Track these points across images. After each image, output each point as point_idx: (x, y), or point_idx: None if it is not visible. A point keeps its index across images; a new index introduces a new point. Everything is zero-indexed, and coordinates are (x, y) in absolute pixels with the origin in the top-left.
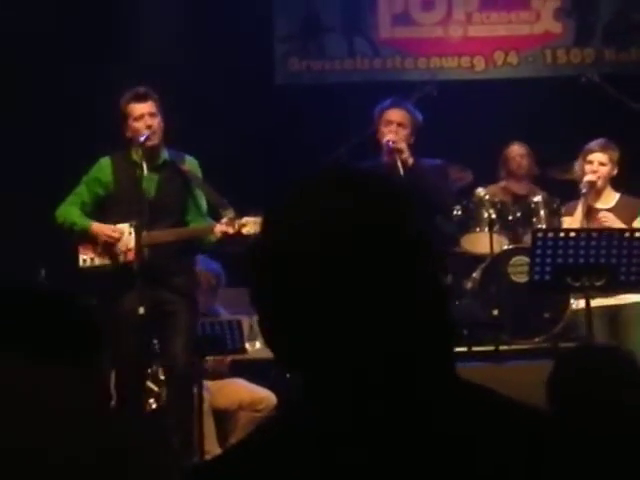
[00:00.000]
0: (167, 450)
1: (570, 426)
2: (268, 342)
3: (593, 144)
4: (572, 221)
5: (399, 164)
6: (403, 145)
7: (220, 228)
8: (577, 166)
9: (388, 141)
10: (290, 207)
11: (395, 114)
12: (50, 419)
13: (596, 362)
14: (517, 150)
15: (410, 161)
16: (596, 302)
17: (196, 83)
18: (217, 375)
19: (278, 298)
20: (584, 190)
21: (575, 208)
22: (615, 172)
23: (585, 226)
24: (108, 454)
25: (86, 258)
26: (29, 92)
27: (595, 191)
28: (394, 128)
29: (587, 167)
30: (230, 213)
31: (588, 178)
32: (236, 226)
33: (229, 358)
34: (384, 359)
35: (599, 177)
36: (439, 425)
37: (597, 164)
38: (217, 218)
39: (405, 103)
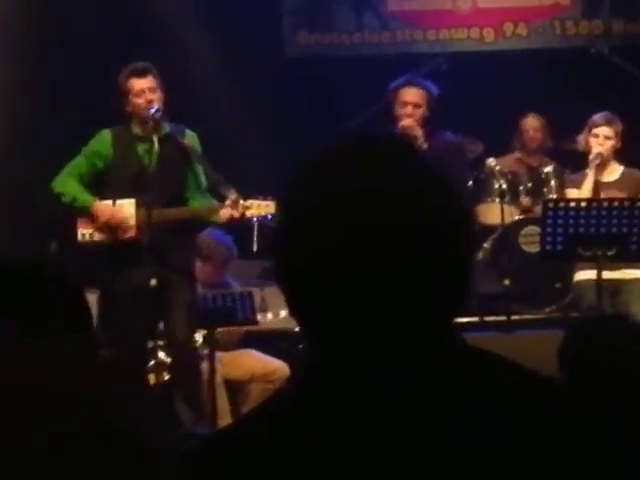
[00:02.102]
0: (172, 423)
1: (582, 394)
2: (294, 309)
3: (598, 117)
4: (580, 194)
5: None
6: (418, 131)
7: (225, 212)
8: (582, 138)
9: (403, 127)
10: (329, 174)
11: (410, 94)
12: (46, 387)
13: (606, 331)
14: (532, 123)
15: (424, 147)
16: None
17: (204, 56)
18: (229, 346)
19: (312, 262)
20: (597, 162)
21: (580, 181)
22: (619, 145)
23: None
24: (107, 425)
25: (85, 233)
26: (45, 66)
27: (601, 164)
28: (410, 110)
29: (593, 140)
30: (232, 194)
31: (598, 149)
32: (240, 208)
33: (242, 329)
34: (405, 326)
35: (605, 150)
36: (454, 393)
37: (603, 137)
38: (216, 195)
39: (419, 80)
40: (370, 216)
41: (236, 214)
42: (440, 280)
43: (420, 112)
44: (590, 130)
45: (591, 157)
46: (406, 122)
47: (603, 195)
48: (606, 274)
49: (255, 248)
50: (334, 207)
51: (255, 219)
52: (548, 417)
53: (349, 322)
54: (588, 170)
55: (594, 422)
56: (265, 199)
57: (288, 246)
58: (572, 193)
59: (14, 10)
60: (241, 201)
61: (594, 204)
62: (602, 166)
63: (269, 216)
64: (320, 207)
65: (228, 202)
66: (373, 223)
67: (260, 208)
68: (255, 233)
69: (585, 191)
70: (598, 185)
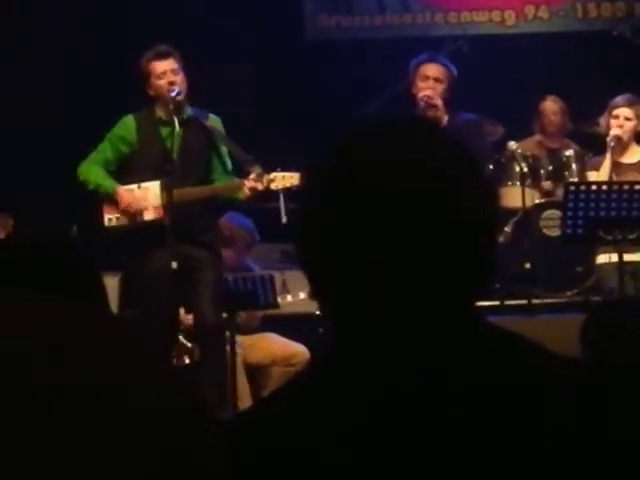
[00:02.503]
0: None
1: (606, 375)
2: (317, 288)
3: (619, 99)
4: (598, 176)
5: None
6: (439, 101)
7: (249, 184)
8: (603, 121)
9: (424, 96)
10: (359, 147)
11: (432, 69)
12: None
13: (628, 313)
14: (550, 107)
15: (445, 118)
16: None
17: (225, 40)
18: (249, 330)
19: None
20: (612, 144)
21: (600, 163)
22: None
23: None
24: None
25: (111, 217)
26: (61, 55)
27: (621, 146)
28: (431, 83)
29: (613, 122)
30: (257, 169)
31: (615, 132)
32: (264, 182)
33: (261, 313)
34: (429, 309)
35: (625, 131)
36: (480, 375)
37: (623, 119)
38: (243, 176)
39: (441, 58)
40: (404, 184)
41: (260, 186)
42: (470, 256)
43: (441, 87)
44: (610, 112)
45: (608, 139)
46: (427, 92)
47: (623, 177)
48: (627, 257)
49: (284, 220)
50: (364, 177)
51: (281, 191)
52: (578, 396)
53: (371, 303)
54: (607, 152)
55: (624, 399)
56: (288, 171)
57: (313, 222)
58: (591, 175)
59: None
60: (265, 175)
61: (615, 187)
62: (622, 148)
63: (294, 188)
64: (350, 178)
65: (252, 176)
66: (406, 193)
67: (285, 180)
68: (282, 204)
69: (603, 173)
70: (618, 167)
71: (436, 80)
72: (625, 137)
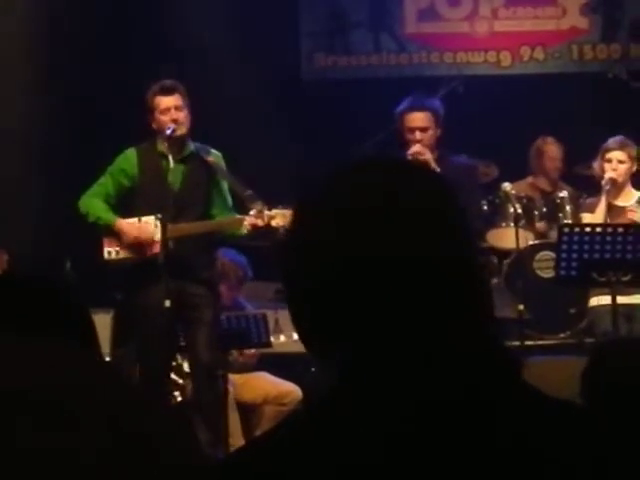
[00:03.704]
0: (194, 441)
1: (611, 419)
2: (302, 327)
3: (611, 142)
4: (593, 218)
5: None
6: (428, 155)
7: (250, 221)
8: (596, 165)
9: (413, 153)
10: (335, 191)
11: (416, 119)
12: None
13: (632, 354)
14: (555, 152)
15: (437, 170)
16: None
17: (223, 79)
18: (245, 369)
19: (326, 273)
20: (607, 187)
21: (594, 205)
22: (634, 169)
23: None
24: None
25: (111, 250)
26: (62, 87)
27: (615, 188)
28: (418, 136)
29: (606, 165)
30: (258, 205)
31: (609, 175)
32: (265, 218)
33: (258, 352)
34: (430, 341)
35: (619, 174)
36: (484, 415)
37: (616, 162)
38: (243, 211)
39: (422, 100)
40: (384, 232)
41: (261, 223)
42: (458, 289)
43: (428, 135)
44: (603, 155)
45: (603, 182)
46: (415, 148)
47: (618, 220)
48: (621, 299)
49: None
50: (347, 222)
51: (282, 228)
52: (579, 442)
53: (371, 340)
54: (602, 195)
55: (624, 445)
56: (289, 208)
57: (301, 264)
58: (586, 218)
59: (44, 25)
60: (266, 211)
61: (609, 229)
62: (617, 190)
63: None
64: (333, 222)
65: (253, 212)
66: (387, 239)
67: (285, 217)
68: None
69: (598, 216)
70: (613, 209)
71: (422, 130)
72: (620, 180)
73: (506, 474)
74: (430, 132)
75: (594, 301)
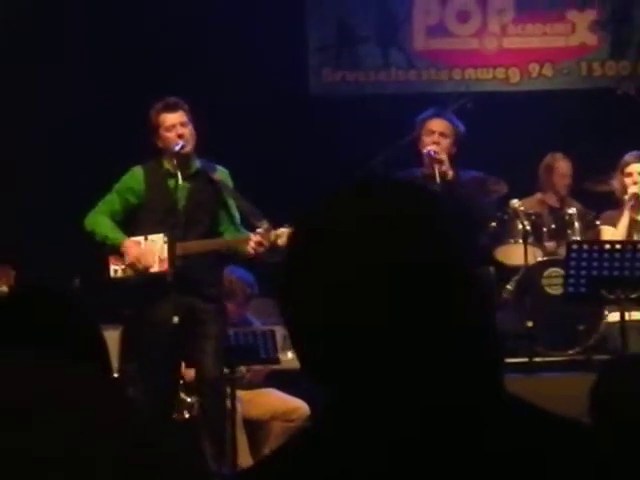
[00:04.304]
0: (201, 459)
1: (613, 439)
2: (300, 351)
3: (629, 156)
4: (615, 232)
5: (437, 175)
6: (444, 156)
7: (256, 239)
8: (616, 181)
9: (429, 151)
10: (314, 216)
11: (437, 124)
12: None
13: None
14: (565, 168)
15: (450, 174)
16: (630, 315)
17: (231, 94)
18: (252, 385)
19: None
20: (631, 203)
21: (614, 217)
22: None
23: (627, 238)
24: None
25: (117, 269)
26: (66, 103)
27: (638, 203)
28: (436, 138)
29: (627, 180)
30: (264, 224)
31: (633, 190)
32: (271, 237)
33: (267, 369)
34: (426, 366)
35: None
36: (488, 442)
37: (636, 175)
38: (250, 228)
39: (447, 114)
40: (377, 253)
41: (267, 242)
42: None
43: (446, 142)
44: (622, 170)
45: (626, 197)
46: (432, 146)
47: (637, 235)
48: (636, 314)
49: None
50: (339, 244)
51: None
52: (581, 462)
53: (373, 350)
54: (625, 209)
55: (630, 467)
56: None
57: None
58: (607, 231)
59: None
60: (272, 230)
61: (617, 246)
62: (637, 204)
63: None
64: (324, 244)
65: (259, 230)
66: (379, 260)
67: None
68: None
69: (620, 230)
70: (634, 224)
71: (441, 135)
72: None
73: None
74: (448, 140)
75: (608, 317)
